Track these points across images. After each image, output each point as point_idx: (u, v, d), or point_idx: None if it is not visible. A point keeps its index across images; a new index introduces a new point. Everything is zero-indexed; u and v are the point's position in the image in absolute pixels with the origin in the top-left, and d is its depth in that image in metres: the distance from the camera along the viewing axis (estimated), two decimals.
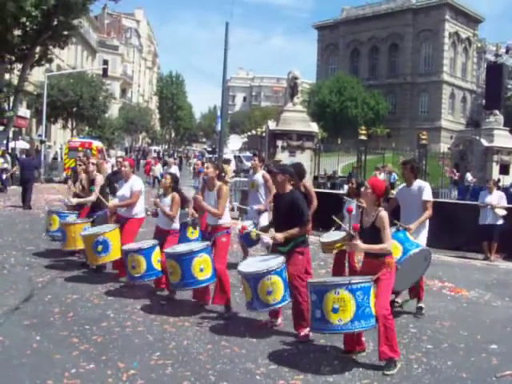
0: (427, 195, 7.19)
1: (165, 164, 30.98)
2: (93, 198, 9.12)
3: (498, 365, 5.52)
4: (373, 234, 5.27)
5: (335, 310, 4.97)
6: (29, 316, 6.31)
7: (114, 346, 5.49)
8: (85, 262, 9.11)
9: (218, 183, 6.97)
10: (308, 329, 5.94)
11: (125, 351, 5.36)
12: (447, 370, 5.34)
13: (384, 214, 5.29)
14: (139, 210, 8.36)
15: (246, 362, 5.25)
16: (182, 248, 6.86)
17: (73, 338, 5.65)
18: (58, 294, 7.35)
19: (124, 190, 8.35)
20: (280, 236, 5.94)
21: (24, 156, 25.05)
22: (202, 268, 6.57)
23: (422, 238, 7.18)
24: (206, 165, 7.41)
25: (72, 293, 7.41)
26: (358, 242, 5.24)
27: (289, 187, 6.20)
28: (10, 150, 29.24)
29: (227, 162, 25.68)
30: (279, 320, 6.42)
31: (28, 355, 5.12)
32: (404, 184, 7.53)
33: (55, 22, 26.05)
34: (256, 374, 4.98)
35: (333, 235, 7.91)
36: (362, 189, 5.67)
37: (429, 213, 7.13)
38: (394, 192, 9.06)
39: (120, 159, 10.35)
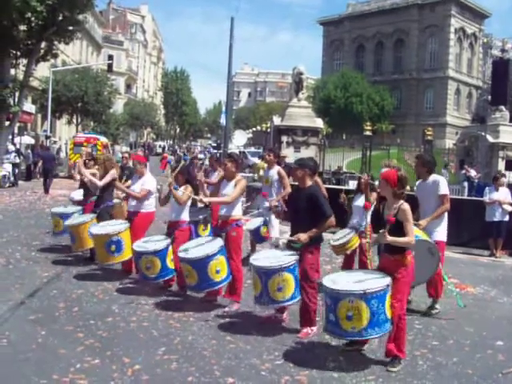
0: (443, 189, 7.11)
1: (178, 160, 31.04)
2: (102, 183, 8.97)
3: (504, 361, 5.49)
4: (395, 227, 5.14)
5: (349, 318, 4.89)
6: (34, 311, 6.32)
7: (119, 341, 5.49)
8: (89, 257, 9.13)
9: (238, 176, 6.99)
10: (312, 328, 5.93)
11: (130, 346, 5.36)
12: (453, 366, 5.32)
13: (406, 206, 5.18)
14: (149, 205, 8.32)
15: (251, 357, 5.24)
16: (195, 251, 6.66)
17: (78, 333, 5.66)
18: (63, 288, 7.36)
19: (135, 187, 8.30)
20: (305, 237, 5.85)
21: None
22: (219, 270, 6.54)
23: (441, 234, 7.11)
24: (224, 161, 7.37)
25: (77, 288, 7.42)
26: (385, 234, 5.06)
27: (309, 182, 6.16)
28: (18, 146, 29.47)
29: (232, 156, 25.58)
30: (284, 314, 6.40)
31: (33, 350, 5.13)
32: (421, 180, 7.48)
33: (60, 18, 25.99)
34: (261, 369, 4.97)
35: (341, 236, 7.88)
36: (377, 183, 5.61)
37: (445, 207, 7.04)
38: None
39: (126, 155, 10.33)
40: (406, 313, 5.31)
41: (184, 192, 7.35)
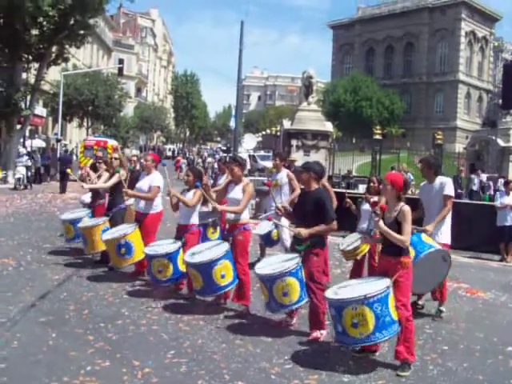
0: (448, 190, 7.07)
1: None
2: (108, 184, 9.04)
3: None
4: (395, 229, 5.19)
5: (355, 325, 4.90)
6: (45, 313, 6.35)
7: (129, 344, 5.51)
8: (99, 260, 9.17)
9: (246, 181, 7.00)
10: (321, 331, 5.93)
11: (139, 349, 5.37)
12: (463, 371, 5.29)
13: (407, 208, 5.20)
14: (157, 205, 8.34)
15: (260, 361, 5.24)
16: (201, 255, 6.68)
17: (88, 336, 5.68)
18: (73, 291, 7.39)
19: (142, 183, 8.32)
20: (305, 232, 5.88)
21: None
22: (223, 274, 6.55)
23: (445, 236, 7.08)
24: (230, 166, 7.37)
25: (87, 290, 7.45)
26: (379, 221, 5.15)
27: (314, 185, 6.17)
28: (30, 149, 29.77)
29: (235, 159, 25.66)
30: (294, 319, 6.40)
31: (44, 352, 5.16)
32: (425, 181, 7.45)
33: (72, 22, 26.21)
34: (271, 373, 4.97)
35: (351, 241, 7.86)
36: (381, 186, 5.63)
37: (447, 209, 7.00)
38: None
39: (134, 158, 10.35)
40: (417, 317, 5.30)
41: (193, 198, 7.38)
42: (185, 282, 7.49)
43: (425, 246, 6.47)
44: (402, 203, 5.28)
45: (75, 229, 9.49)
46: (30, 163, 24.97)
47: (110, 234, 8.26)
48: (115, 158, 9.47)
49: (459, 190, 22.37)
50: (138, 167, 9.96)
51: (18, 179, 23.45)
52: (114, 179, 8.91)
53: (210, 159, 45.02)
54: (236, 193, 6.96)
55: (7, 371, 4.67)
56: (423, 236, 6.60)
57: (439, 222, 6.97)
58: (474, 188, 24.47)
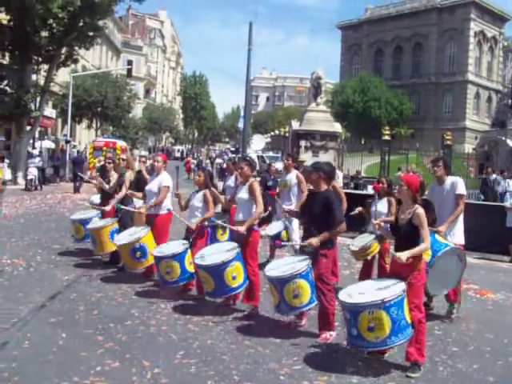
0: (461, 189, 7.06)
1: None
2: (122, 192, 9.12)
3: None
4: (410, 231, 5.17)
5: (371, 329, 4.88)
6: (55, 313, 6.38)
7: (139, 345, 5.52)
8: (108, 260, 9.21)
9: (251, 179, 6.97)
10: (330, 332, 5.92)
11: (149, 350, 5.39)
12: (473, 373, 5.27)
13: (421, 211, 5.18)
14: (166, 206, 8.37)
15: (269, 362, 5.24)
16: (211, 258, 6.67)
17: (98, 336, 5.71)
18: (83, 292, 7.43)
19: (152, 185, 8.34)
20: (316, 241, 5.85)
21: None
22: (235, 276, 6.55)
23: (458, 236, 7.07)
24: (240, 164, 7.38)
25: (97, 291, 7.48)
26: (401, 254, 5.03)
27: (324, 186, 6.15)
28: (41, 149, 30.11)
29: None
30: (303, 321, 6.40)
31: (54, 352, 5.19)
32: (435, 182, 7.41)
33: (81, 24, 26.37)
34: (280, 374, 4.97)
35: (360, 240, 7.84)
36: (397, 187, 5.59)
37: (460, 208, 6.99)
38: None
39: (143, 159, 10.39)
40: (426, 318, 5.28)
41: (207, 205, 7.45)
42: (194, 283, 7.50)
43: (441, 245, 6.46)
44: (416, 205, 5.24)
45: (85, 229, 9.54)
46: (41, 164, 25.23)
47: (123, 238, 8.22)
48: (123, 159, 9.55)
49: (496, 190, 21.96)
50: (143, 168, 9.99)
51: (30, 180, 23.74)
52: (127, 182, 9.07)
53: (218, 160, 45.05)
54: (243, 193, 6.96)
55: (18, 371, 4.69)
56: (437, 236, 6.58)
57: (452, 222, 6.95)
58: (500, 190, 24.07)
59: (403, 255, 5.01)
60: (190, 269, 7.27)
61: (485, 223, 12.39)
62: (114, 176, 9.64)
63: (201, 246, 7.24)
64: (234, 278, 6.56)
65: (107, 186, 9.37)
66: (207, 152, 68.96)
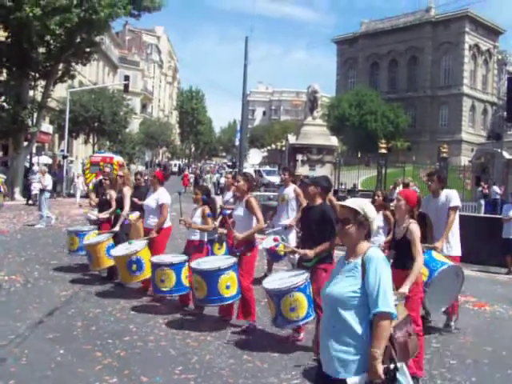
0: (455, 201, 7.07)
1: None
2: (127, 209, 9.18)
3: None
4: (405, 245, 5.22)
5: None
6: (52, 329, 6.37)
7: (137, 360, 5.51)
8: (106, 276, 9.20)
9: (247, 195, 6.95)
10: None
11: (147, 365, 5.38)
12: None
13: (414, 226, 5.23)
14: (165, 221, 8.39)
15: (268, 376, 5.23)
16: (208, 264, 6.73)
17: (96, 352, 5.69)
18: (80, 307, 7.42)
19: (149, 200, 8.40)
20: (311, 252, 5.86)
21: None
22: (229, 285, 6.56)
23: (455, 248, 7.08)
24: (237, 177, 7.38)
25: (95, 307, 7.47)
26: (402, 290, 4.96)
27: (319, 200, 6.17)
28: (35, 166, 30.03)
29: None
30: (301, 335, 6.39)
31: (52, 368, 5.18)
32: (430, 195, 7.42)
33: (78, 40, 26.51)
34: None
35: None
36: (395, 201, 5.62)
37: (451, 219, 6.95)
38: None
39: (138, 176, 10.41)
40: (424, 331, 5.28)
41: (205, 221, 7.44)
42: (191, 298, 7.49)
43: (437, 263, 6.40)
44: (411, 220, 5.29)
45: (80, 241, 9.55)
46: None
47: (120, 250, 8.25)
48: (120, 176, 9.57)
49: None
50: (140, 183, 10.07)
51: (35, 195, 23.83)
52: (127, 200, 9.15)
53: (216, 175, 45.01)
54: (239, 210, 6.97)
55: None
56: (434, 253, 6.54)
57: (447, 237, 6.96)
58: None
59: (405, 289, 4.98)
60: (186, 282, 7.28)
61: (482, 235, 12.42)
62: (111, 193, 9.66)
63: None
64: (227, 287, 6.56)
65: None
66: (200, 167, 69.00)
